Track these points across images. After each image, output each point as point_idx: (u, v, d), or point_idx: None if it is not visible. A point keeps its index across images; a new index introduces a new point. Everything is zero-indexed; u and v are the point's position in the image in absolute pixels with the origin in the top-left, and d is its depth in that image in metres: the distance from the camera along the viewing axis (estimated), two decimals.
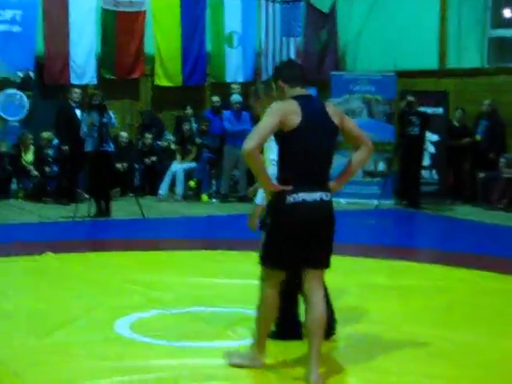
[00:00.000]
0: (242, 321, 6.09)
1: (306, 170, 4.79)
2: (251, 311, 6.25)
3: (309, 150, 4.78)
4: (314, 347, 4.80)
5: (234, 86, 15.22)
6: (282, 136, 4.80)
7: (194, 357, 5.30)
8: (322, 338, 4.87)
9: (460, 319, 6.45)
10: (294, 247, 4.80)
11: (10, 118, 14.99)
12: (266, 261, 4.93)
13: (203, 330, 6.01)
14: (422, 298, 7.18)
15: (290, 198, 4.73)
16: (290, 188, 4.74)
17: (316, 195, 4.78)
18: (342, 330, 5.82)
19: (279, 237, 4.82)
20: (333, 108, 5.00)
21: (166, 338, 5.69)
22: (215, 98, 15.22)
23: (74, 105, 13.57)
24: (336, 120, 4.90)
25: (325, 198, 4.83)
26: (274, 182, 4.85)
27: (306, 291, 4.92)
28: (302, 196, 4.74)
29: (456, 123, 14.44)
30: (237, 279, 7.60)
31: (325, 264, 4.94)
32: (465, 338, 5.84)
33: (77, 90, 13.73)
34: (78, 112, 13.40)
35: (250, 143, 4.63)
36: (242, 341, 5.58)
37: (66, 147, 13.46)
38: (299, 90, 4.97)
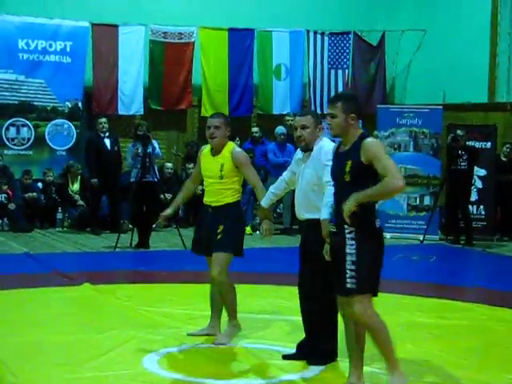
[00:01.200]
0: (269, 359, 6.00)
1: None
2: (280, 348, 6.17)
3: None
4: (361, 358, 5.23)
5: (287, 117, 14.85)
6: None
7: None
8: None
9: (496, 362, 6.22)
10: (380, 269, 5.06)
11: (57, 148, 15.18)
12: (368, 287, 4.99)
13: (230, 366, 5.92)
14: (460, 338, 6.99)
15: (377, 223, 4.99)
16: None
17: None
18: (371, 370, 5.65)
19: (375, 260, 4.99)
20: None
21: (191, 374, 5.59)
22: (254, 129, 15.17)
23: (102, 135, 13.62)
24: None
25: None
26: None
27: (360, 316, 5.06)
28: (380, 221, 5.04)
29: (504, 158, 14.17)
30: (276, 315, 7.49)
31: None
32: (498, 382, 5.63)
33: (101, 121, 13.67)
34: (107, 141, 13.54)
35: (402, 180, 4.82)
36: (267, 380, 5.49)
37: (96, 180, 13.43)
38: None
